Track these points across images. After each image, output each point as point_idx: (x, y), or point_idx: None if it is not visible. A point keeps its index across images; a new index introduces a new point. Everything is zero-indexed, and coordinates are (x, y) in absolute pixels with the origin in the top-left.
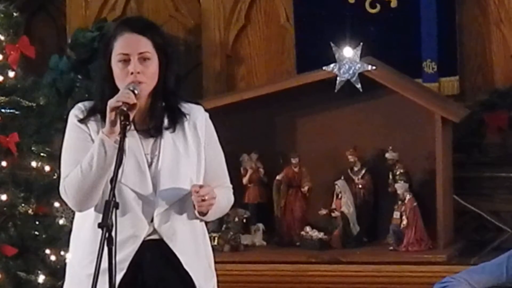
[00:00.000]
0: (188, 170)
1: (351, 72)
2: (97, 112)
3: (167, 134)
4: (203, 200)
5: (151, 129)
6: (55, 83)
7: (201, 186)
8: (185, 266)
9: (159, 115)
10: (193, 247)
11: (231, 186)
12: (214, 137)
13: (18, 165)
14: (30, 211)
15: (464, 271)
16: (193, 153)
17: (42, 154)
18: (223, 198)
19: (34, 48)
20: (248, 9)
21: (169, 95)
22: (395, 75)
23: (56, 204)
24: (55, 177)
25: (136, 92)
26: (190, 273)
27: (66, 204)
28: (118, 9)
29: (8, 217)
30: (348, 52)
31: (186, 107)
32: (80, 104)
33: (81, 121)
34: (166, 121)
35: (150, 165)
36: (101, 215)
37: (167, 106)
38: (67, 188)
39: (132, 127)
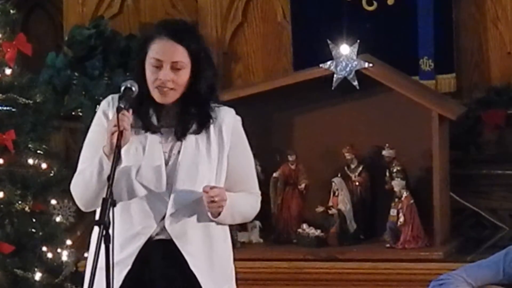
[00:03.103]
0: (206, 173)
1: (348, 69)
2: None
3: (190, 135)
4: (213, 202)
5: (177, 132)
6: (52, 81)
7: (212, 187)
8: (191, 267)
9: (188, 120)
10: (204, 250)
11: (259, 192)
12: (241, 142)
13: (15, 163)
14: (26, 209)
15: (461, 268)
16: (215, 157)
17: (39, 151)
18: (245, 204)
19: (31, 45)
20: (245, 7)
21: (201, 101)
22: (392, 72)
23: (53, 202)
24: (51, 174)
25: (133, 89)
26: (197, 275)
27: (62, 202)
28: (115, 6)
29: (4, 214)
30: (345, 49)
31: (216, 109)
32: (110, 96)
33: (106, 114)
34: (194, 126)
35: (167, 163)
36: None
37: (198, 112)
38: (73, 189)
39: (155, 121)
